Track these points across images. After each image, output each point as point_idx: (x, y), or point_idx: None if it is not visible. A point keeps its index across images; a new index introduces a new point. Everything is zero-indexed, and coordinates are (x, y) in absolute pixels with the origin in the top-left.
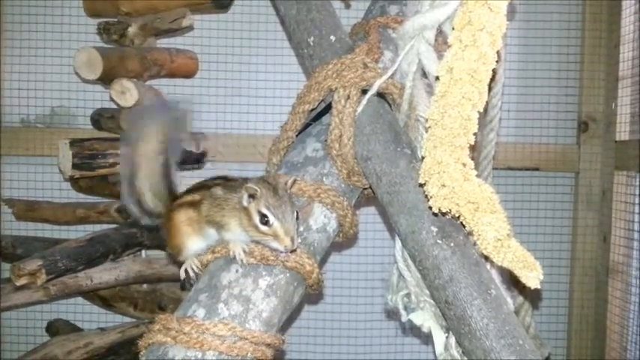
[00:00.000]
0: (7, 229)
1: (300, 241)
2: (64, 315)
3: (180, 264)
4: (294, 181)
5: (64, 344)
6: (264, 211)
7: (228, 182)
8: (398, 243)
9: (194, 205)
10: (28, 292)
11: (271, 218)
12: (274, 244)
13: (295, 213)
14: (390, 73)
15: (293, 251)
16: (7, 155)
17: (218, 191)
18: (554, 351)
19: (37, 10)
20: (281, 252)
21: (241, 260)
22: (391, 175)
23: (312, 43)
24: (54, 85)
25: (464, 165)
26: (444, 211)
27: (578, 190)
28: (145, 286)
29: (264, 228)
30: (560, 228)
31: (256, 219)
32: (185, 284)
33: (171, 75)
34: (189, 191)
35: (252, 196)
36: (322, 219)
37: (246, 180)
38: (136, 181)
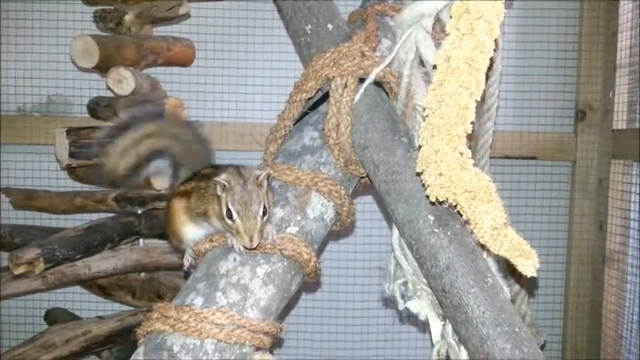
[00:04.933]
0: (4, 218)
1: (273, 237)
2: (62, 304)
3: (182, 253)
4: (269, 176)
5: (62, 333)
6: (229, 205)
7: (216, 171)
8: (395, 231)
9: (186, 194)
10: (26, 280)
11: (234, 214)
12: (234, 240)
13: (262, 209)
14: (387, 61)
15: (253, 249)
16: (3, 144)
17: (202, 183)
18: (550, 338)
19: None
20: (238, 248)
21: (239, 249)
22: (388, 164)
23: (309, 31)
24: (50, 74)
25: (461, 154)
26: (441, 199)
27: (575, 179)
28: (142, 274)
29: (229, 221)
30: (557, 216)
31: (224, 211)
32: (189, 273)
33: (168, 63)
34: (184, 181)
35: (224, 187)
36: (319, 208)
37: (228, 168)
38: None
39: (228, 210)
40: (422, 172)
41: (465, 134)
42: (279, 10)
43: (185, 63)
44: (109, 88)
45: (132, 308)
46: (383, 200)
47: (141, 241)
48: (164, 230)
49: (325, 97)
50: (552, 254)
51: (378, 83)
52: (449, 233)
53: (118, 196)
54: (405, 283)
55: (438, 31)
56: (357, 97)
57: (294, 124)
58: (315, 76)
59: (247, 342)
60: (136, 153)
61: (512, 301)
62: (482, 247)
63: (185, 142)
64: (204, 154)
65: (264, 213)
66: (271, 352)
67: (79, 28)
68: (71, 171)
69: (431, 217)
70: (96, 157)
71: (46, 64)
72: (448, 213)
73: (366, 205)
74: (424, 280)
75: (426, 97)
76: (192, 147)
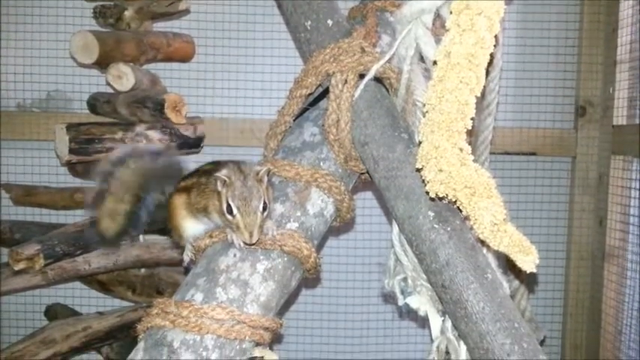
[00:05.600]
0: (4, 214)
1: (273, 233)
2: (62, 299)
3: (182, 248)
4: (269, 172)
5: (62, 328)
6: (230, 201)
7: (216, 167)
8: (395, 227)
9: (187, 190)
10: (26, 276)
11: (234, 210)
12: (234, 235)
13: (262, 205)
14: (387, 57)
15: (253, 245)
16: (3, 140)
17: (203, 178)
18: (549, 334)
19: None
20: (238, 244)
21: (239, 245)
22: (388, 160)
23: (309, 27)
24: (50, 70)
25: (461, 150)
26: (440, 195)
27: (575, 175)
28: (142, 270)
29: (229, 217)
30: (557, 212)
31: (224, 206)
32: (189, 269)
33: (168, 59)
34: (185, 177)
35: (224, 183)
36: (319, 203)
37: (228, 164)
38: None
39: (229, 205)
40: (422, 168)
41: (465, 130)
42: (279, 6)
43: (185, 59)
44: (108, 84)
45: (132, 304)
46: (383, 196)
47: (141, 236)
48: (164, 226)
49: (325, 93)
50: (552, 250)
51: (378, 79)
52: (449, 229)
53: None
54: (405, 279)
55: (438, 26)
56: (357, 93)
57: (294, 120)
58: (315, 72)
59: (247, 337)
60: (122, 212)
61: (512, 296)
62: (482, 242)
63: (150, 173)
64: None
65: (265, 209)
66: (271, 348)
67: (78, 24)
68: (71, 167)
69: (431, 213)
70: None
71: (45, 60)
72: (448, 209)
73: (365, 201)
74: (424, 275)
75: (426, 93)
76: (158, 171)
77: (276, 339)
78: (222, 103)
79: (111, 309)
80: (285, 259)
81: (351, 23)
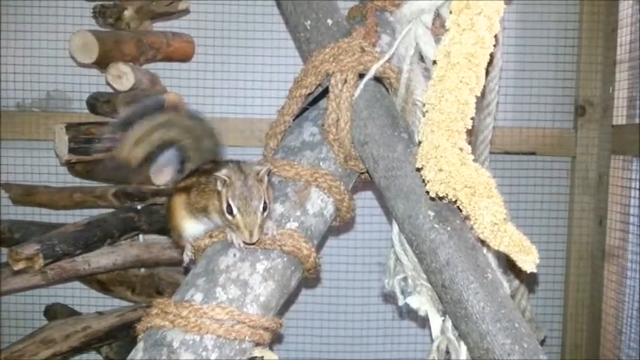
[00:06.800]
0: (4, 214)
1: (273, 233)
2: (61, 299)
3: (182, 248)
4: (269, 171)
5: (62, 328)
6: (230, 201)
7: (216, 166)
8: (395, 227)
9: (187, 190)
10: (25, 276)
11: (235, 210)
12: (234, 235)
13: (262, 205)
14: (387, 57)
15: (252, 244)
16: (3, 140)
17: (203, 178)
18: (549, 334)
19: None
20: (238, 244)
21: (239, 244)
22: (388, 160)
23: (308, 27)
24: (50, 69)
25: (461, 149)
26: (440, 195)
27: (574, 175)
28: (142, 270)
29: (229, 217)
30: (557, 212)
31: (224, 206)
32: (189, 269)
33: (168, 59)
34: (185, 177)
35: (224, 182)
36: (319, 203)
37: (228, 163)
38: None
39: (229, 205)
40: (422, 168)
41: (465, 130)
42: (279, 6)
43: (185, 58)
44: (108, 84)
45: (131, 304)
46: (383, 196)
47: (140, 236)
48: (164, 225)
49: (325, 92)
50: (552, 250)
51: (377, 79)
52: (449, 229)
53: (118, 192)
54: (405, 279)
55: (438, 26)
56: (357, 93)
57: (293, 120)
58: (315, 72)
59: (247, 338)
60: (149, 142)
61: (512, 296)
62: (482, 242)
63: (196, 136)
64: (214, 150)
65: (265, 209)
66: (271, 348)
67: (78, 24)
68: (71, 167)
69: (431, 213)
70: (108, 149)
71: (45, 60)
72: (448, 209)
73: (365, 200)
74: (424, 275)
75: (426, 93)
76: (202, 142)
77: (276, 339)
78: (222, 103)
79: (110, 309)
80: (285, 258)
81: (350, 23)
